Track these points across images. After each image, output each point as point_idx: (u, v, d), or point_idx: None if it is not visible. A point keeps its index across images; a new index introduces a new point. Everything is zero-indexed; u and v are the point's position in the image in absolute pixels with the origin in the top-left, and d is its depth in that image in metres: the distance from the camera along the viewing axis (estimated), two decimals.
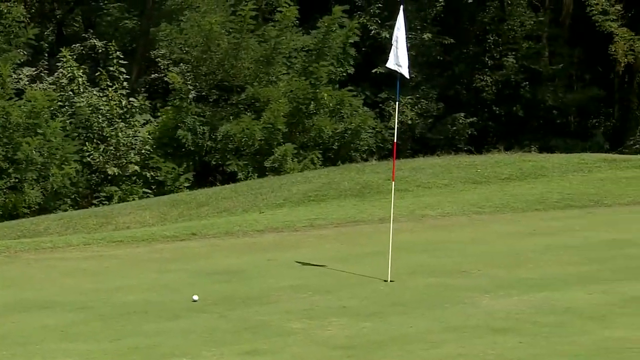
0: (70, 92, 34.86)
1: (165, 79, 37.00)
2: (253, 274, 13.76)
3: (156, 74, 39.94)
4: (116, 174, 33.47)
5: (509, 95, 43.68)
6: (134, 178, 34.07)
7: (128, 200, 31.58)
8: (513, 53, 43.81)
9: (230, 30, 35.64)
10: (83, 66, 36.49)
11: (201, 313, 11.24)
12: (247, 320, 10.83)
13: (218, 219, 20.99)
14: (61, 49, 36.98)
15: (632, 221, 18.47)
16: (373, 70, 40.05)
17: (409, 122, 40.63)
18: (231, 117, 35.02)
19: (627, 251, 15.00)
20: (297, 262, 14.53)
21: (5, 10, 36.46)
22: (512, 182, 24.23)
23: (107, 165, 33.51)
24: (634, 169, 25.94)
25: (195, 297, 11.48)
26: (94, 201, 33.14)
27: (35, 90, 34.73)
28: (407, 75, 13.68)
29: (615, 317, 10.60)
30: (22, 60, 36.60)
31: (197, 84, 35.97)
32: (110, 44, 35.99)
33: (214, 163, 35.06)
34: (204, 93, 36.22)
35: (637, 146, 43.75)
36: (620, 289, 12.11)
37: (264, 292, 12.31)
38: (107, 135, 33.90)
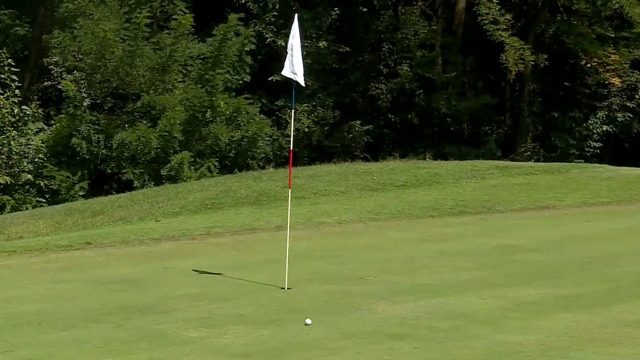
0: None
1: (59, 86, 36.45)
2: (149, 282, 13.64)
3: (49, 82, 39.36)
4: (8, 182, 32.82)
5: (403, 103, 44.11)
6: (27, 187, 33.45)
7: (21, 210, 31.02)
8: (407, 61, 44.25)
9: (125, 37, 35.27)
10: None
11: (96, 323, 11.09)
12: (143, 329, 10.73)
13: (114, 228, 20.76)
14: None
15: (523, 227, 18.81)
16: (269, 78, 40.08)
17: (306, 129, 40.77)
18: (127, 125, 34.65)
19: (519, 257, 15.27)
20: (194, 270, 14.45)
21: None
22: (408, 189, 24.47)
23: None
24: (525, 176, 26.42)
25: (308, 321, 10.84)
26: None
27: None
28: (302, 83, 13.72)
29: (508, 322, 10.77)
30: None
31: (92, 91, 35.50)
32: (1, 51, 35.31)
33: (110, 171, 34.65)
34: (98, 101, 35.77)
35: (528, 153, 44.64)
36: (513, 294, 12.32)
37: (161, 301, 12.21)
38: None
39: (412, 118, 43.56)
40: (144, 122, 34.68)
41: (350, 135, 42.16)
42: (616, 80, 46.83)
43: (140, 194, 26.85)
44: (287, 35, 13.93)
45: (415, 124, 43.77)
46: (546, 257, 15.24)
